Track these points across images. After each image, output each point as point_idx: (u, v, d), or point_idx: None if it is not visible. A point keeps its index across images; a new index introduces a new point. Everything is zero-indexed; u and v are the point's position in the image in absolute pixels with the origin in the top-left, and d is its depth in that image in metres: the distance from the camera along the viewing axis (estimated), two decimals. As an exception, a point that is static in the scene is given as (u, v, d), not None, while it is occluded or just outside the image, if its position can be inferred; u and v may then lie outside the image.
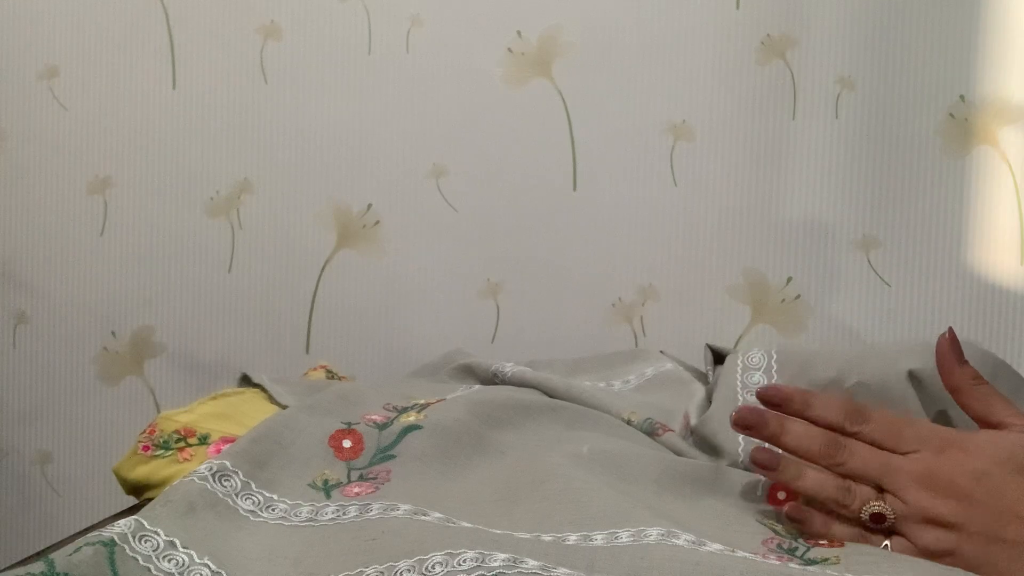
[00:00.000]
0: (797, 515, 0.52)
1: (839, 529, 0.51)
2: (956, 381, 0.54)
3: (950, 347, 0.54)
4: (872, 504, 0.50)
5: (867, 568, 0.47)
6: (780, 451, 0.53)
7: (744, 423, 0.53)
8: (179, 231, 1.06)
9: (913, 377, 0.59)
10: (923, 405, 0.59)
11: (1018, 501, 0.48)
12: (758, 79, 0.96)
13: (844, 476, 0.52)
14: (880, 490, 0.51)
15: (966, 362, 0.54)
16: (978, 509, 0.48)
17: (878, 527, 0.50)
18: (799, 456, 0.53)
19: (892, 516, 0.50)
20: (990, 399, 0.53)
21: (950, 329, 0.55)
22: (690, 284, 0.99)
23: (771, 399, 0.54)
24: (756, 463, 0.53)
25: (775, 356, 0.65)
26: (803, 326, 0.97)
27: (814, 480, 0.52)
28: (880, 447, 0.52)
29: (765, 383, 0.63)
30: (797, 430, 0.53)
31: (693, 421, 0.65)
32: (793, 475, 0.52)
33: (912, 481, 0.50)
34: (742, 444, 0.62)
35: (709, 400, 0.69)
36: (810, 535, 0.52)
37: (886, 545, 0.50)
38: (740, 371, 0.65)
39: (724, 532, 0.51)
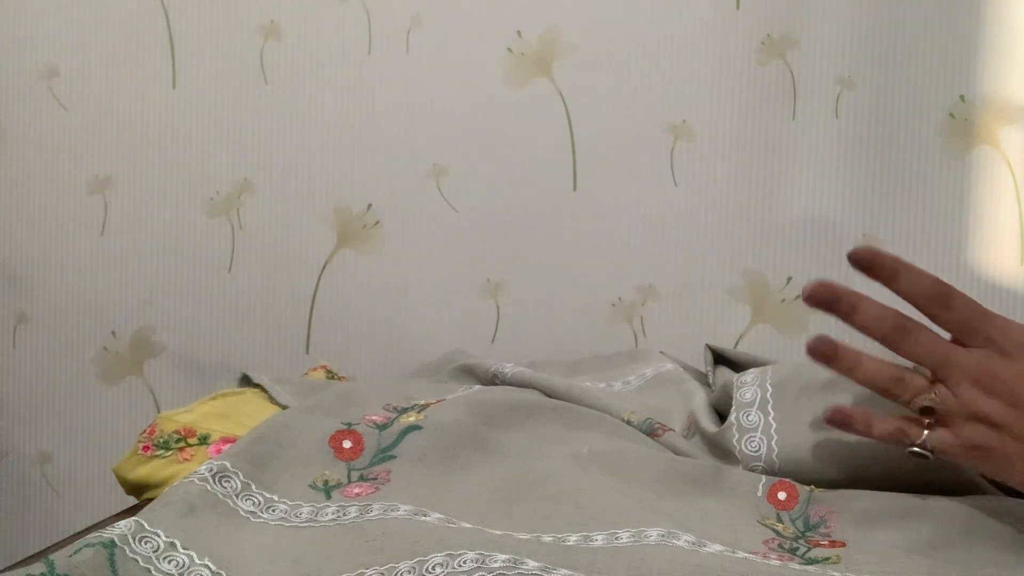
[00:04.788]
0: (839, 419, 0.53)
1: (879, 428, 0.52)
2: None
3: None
4: (923, 396, 0.51)
5: (868, 568, 0.47)
6: (838, 343, 0.53)
7: (817, 298, 0.52)
8: (179, 231, 1.06)
9: None
10: None
11: None
12: (758, 79, 0.96)
13: (904, 355, 0.52)
14: (934, 381, 0.51)
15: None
16: None
17: (927, 420, 0.51)
18: (866, 334, 0.52)
19: (940, 409, 0.51)
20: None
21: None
22: (690, 284, 0.99)
23: (863, 259, 0.52)
24: (813, 353, 0.53)
25: (769, 371, 0.65)
26: (803, 326, 0.97)
27: (869, 370, 0.52)
28: (952, 336, 0.52)
29: (758, 392, 0.63)
30: (868, 310, 0.52)
31: (711, 429, 0.64)
32: (849, 365, 0.53)
33: (968, 377, 0.50)
34: (764, 453, 0.61)
35: (714, 407, 0.69)
36: (855, 432, 0.53)
37: (924, 440, 0.50)
38: (736, 389, 0.65)
39: (725, 533, 0.51)
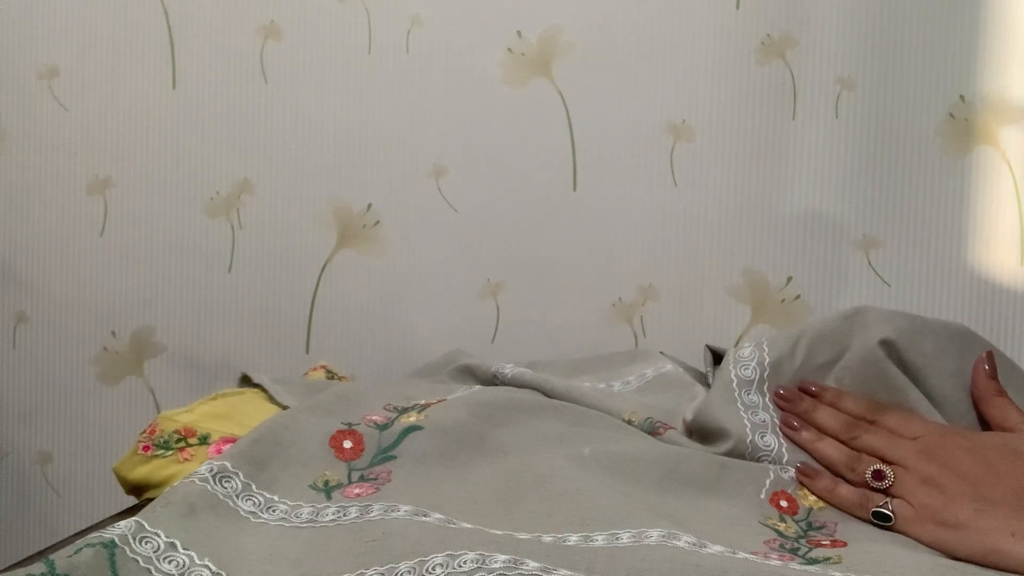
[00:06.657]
0: (808, 472, 0.60)
1: (844, 490, 0.58)
2: (981, 391, 0.63)
3: (986, 363, 0.63)
4: (875, 465, 0.58)
5: (869, 568, 0.47)
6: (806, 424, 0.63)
7: (783, 397, 0.64)
8: (179, 231, 1.06)
9: (885, 344, 0.63)
10: (899, 368, 0.63)
11: (1006, 472, 0.55)
12: (758, 79, 0.96)
13: (857, 450, 0.60)
14: (886, 464, 0.58)
15: (995, 377, 0.63)
16: (968, 475, 0.55)
17: (878, 484, 0.57)
18: (822, 429, 0.62)
19: (891, 475, 0.57)
20: (1007, 409, 0.61)
21: (988, 352, 0.64)
22: (690, 284, 0.99)
23: (808, 390, 0.64)
24: (783, 423, 0.63)
25: (766, 348, 0.66)
26: (803, 326, 0.97)
27: (829, 445, 0.61)
28: (892, 433, 0.60)
29: (756, 371, 0.66)
30: (824, 410, 0.62)
31: (689, 417, 0.66)
32: (812, 438, 0.61)
33: (913, 453, 0.58)
34: (748, 425, 0.63)
35: None
36: (816, 493, 0.58)
37: (886, 502, 0.56)
38: (733, 363, 0.66)
39: (726, 533, 0.51)
